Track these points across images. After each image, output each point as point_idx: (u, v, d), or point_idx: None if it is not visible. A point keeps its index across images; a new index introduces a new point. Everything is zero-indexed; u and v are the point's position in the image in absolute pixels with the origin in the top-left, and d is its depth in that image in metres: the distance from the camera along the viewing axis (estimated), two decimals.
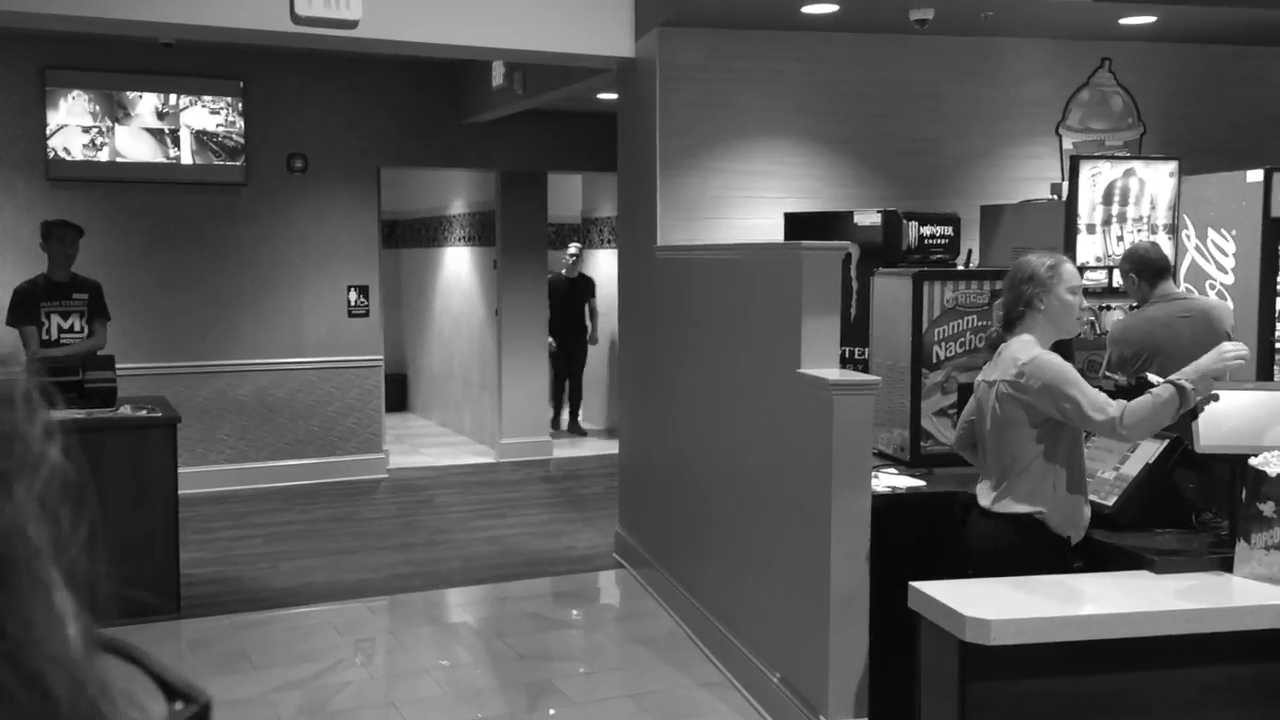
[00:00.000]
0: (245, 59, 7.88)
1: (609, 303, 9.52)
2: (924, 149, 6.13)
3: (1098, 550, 3.27)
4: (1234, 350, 3.08)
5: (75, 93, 7.57)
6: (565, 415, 10.54)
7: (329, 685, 4.71)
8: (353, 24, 5.45)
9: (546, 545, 6.79)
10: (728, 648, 4.68)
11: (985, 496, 3.32)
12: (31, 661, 0.29)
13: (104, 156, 7.66)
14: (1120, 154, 5.96)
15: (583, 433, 10.35)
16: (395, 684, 4.87)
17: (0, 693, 0.28)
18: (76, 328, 5.87)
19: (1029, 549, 3.16)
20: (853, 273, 4.96)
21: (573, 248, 10.37)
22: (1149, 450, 3.44)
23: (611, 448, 7.48)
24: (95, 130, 7.63)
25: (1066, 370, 3.15)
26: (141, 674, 0.38)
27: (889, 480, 4.08)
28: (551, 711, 4.49)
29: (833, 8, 5.41)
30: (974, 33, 6.00)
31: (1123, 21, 5.84)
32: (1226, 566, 3.02)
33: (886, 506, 3.85)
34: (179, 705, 0.39)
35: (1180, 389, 3.01)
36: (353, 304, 8.50)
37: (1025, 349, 3.25)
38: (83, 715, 0.29)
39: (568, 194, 11.31)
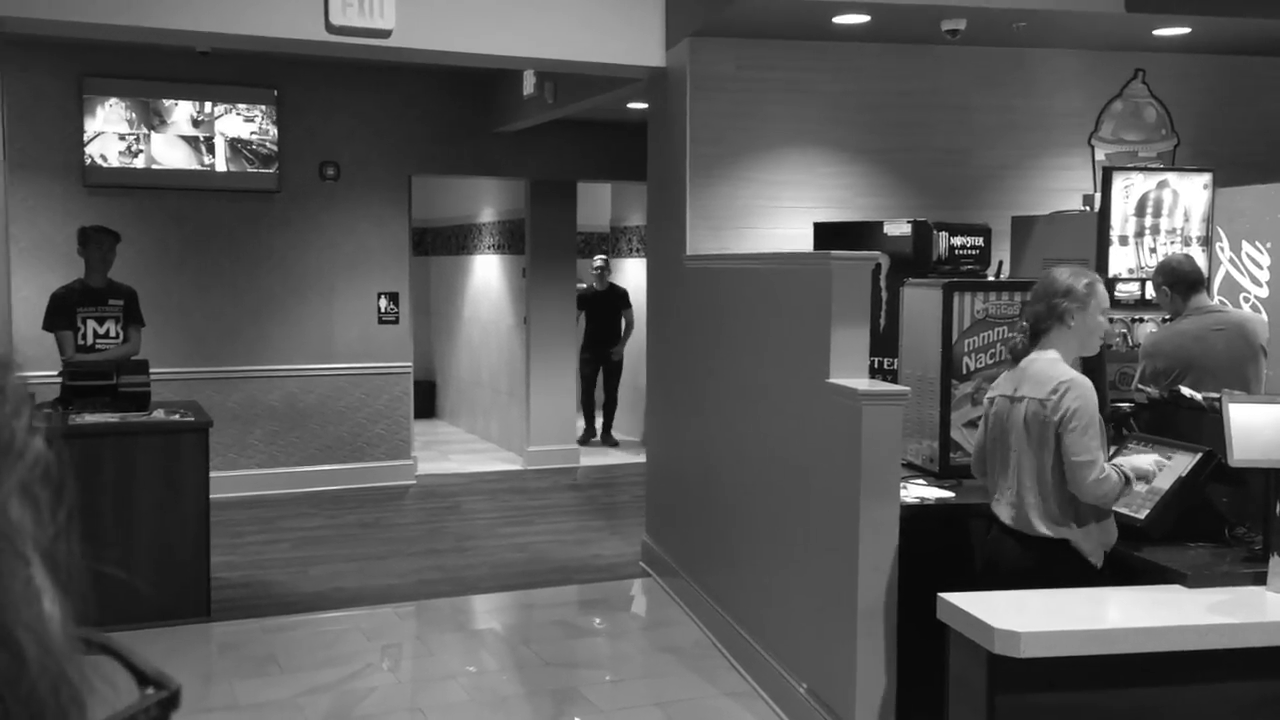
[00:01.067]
0: (279, 68, 7.96)
1: (637, 312, 9.54)
2: (955, 159, 6.12)
3: (1129, 564, 3.25)
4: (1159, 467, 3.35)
5: (112, 100, 7.67)
6: (598, 426, 10.52)
7: (356, 690, 4.74)
8: (386, 33, 5.50)
9: (573, 553, 6.80)
10: (754, 657, 4.67)
11: (1007, 514, 3.29)
12: (5, 625, 0.31)
13: (140, 163, 7.76)
14: (1153, 165, 5.93)
15: (615, 443, 10.32)
16: (422, 689, 4.89)
17: None
18: (112, 333, 5.94)
19: (1056, 573, 3.13)
20: (882, 283, 4.95)
21: (598, 259, 10.38)
22: (1182, 463, 3.41)
23: (639, 457, 7.48)
24: (131, 137, 7.73)
25: (1095, 407, 3.18)
26: (114, 661, 0.39)
27: (918, 491, 4.06)
28: (577, 719, 4.49)
29: (864, 18, 5.41)
30: (1006, 43, 5.98)
31: (1156, 32, 5.81)
32: (1260, 581, 2.99)
33: (915, 517, 3.84)
34: (150, 690, 0.41)
35: (1127, 480, 3.20)
36: (382, 311, 8.56)
37: (1057, 367, 3.23)
38: (51, 678, 0.32)
39: (597, 203, 11.34)
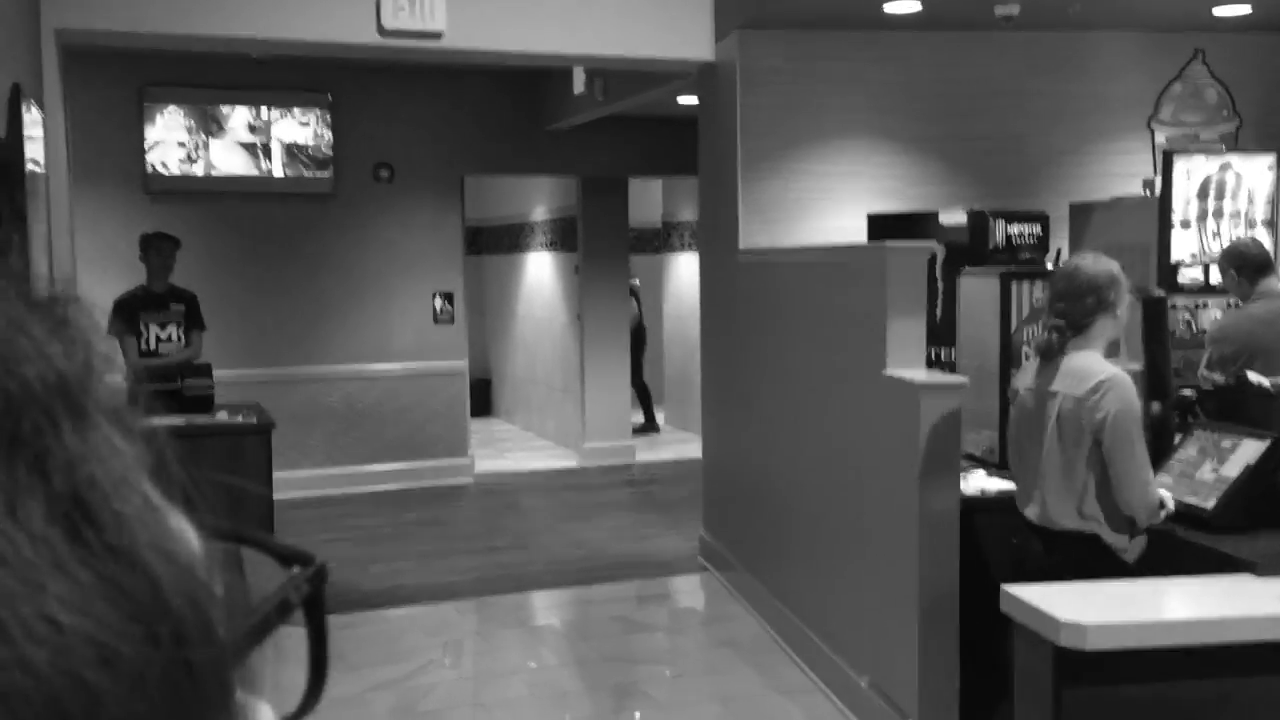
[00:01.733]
0: (332, 72, 8.05)
1: (689, 308, 9.52)
2: (1010, 147, 6.04)
3: (1196, 553, 3.19)
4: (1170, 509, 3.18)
5: (171, 108, 7.81)
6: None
7: (419, 686, 4.79)
8: (437, 35, 5.54)
9: (631, 549, 6.82)
10: (815, 652, 4.65)
11: (1033, 511, 3.22)
12: (129, 547, 0.31)
13: (199, 170, 7.89)
14: (1215, 148, 5.81)
15: (656, 428, 10.59)
16: (483, 685, 4.93)
17: (102, 579, 0.30)
18: (174, 337, 6.05)
19: (1086, 570, 3.06)
20: (938, 273, 4.90)
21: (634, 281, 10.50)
22: (1250, 451, 3.34)
23: (694, 451, 7.48)
24: (191, 145, 7.86)
25: (1138, 407, 3.13)
26: (252, 549, 0.40)
27: (978, 482, 4.02)
28: (637, 715, 4.51)
29: (915, 6, 5.35)
30: (1061, 27, 5.89)
31: (1216, 12, 5.69)
32: None
33: (976, 509, 3.80)
34: (295, 569, 0.41)
35: (1161, 505, 3.15)
36: (438, 311, 8.63)
37: (1099, 362, 3.17)
38: (186, 593, 0.31)
39: (649, 199, 11.35)
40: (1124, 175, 6.03)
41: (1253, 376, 3.77)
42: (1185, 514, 3.34)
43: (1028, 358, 4.29)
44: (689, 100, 7.06)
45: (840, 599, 4.47)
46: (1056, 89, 6.07)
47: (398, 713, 4.49)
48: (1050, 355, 3.21)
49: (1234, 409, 3.77)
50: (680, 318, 10.56)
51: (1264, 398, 3.63)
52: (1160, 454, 3.58)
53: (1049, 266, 5.00)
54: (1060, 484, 3.15)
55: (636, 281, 10.46)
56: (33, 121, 4.26)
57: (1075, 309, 3.16)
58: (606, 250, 9.40)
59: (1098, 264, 3.21)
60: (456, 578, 6.26)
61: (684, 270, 10.48)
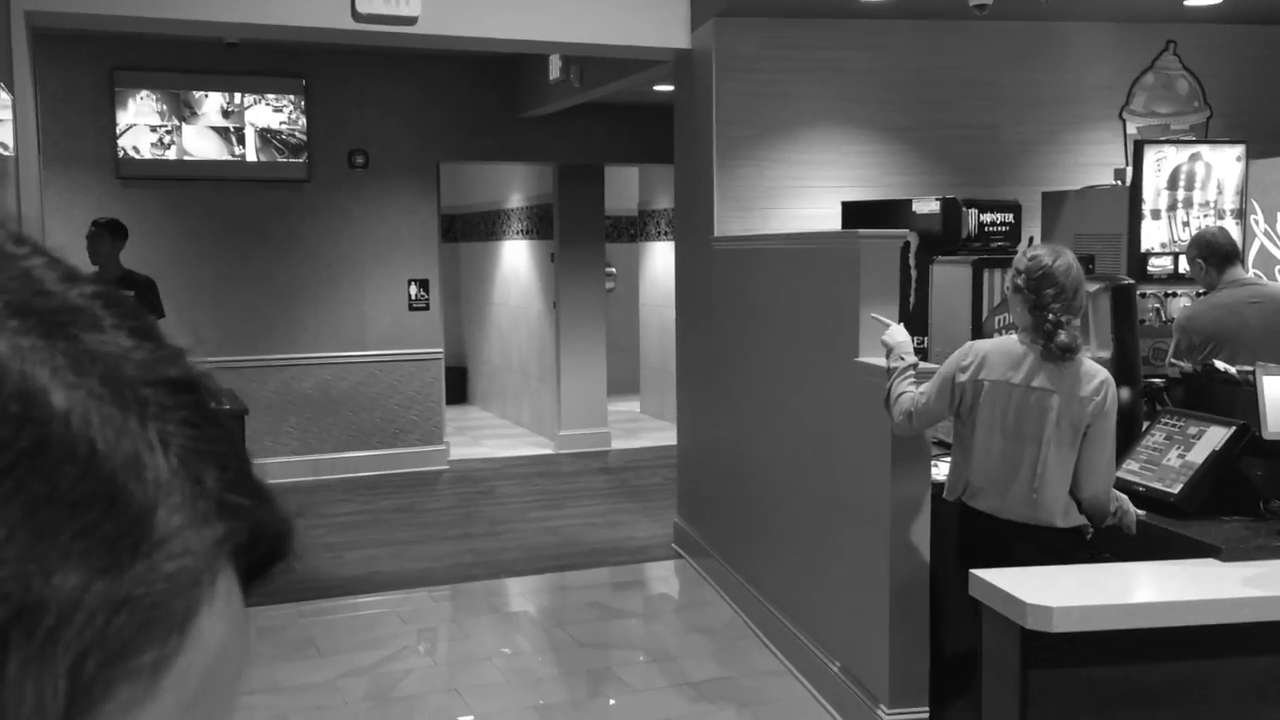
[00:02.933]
0: (307, 57, 8.00)
1: (664, 296, 9.53)
2: (984, 136, 6.07)
3: (1162, 539, 3.24)
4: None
5: (143, 93, 7.74)
6: None
7: (394, 672, 4.80)
8: (412, 20, 5.52)
9: (606, 535, 6.84)
10: (787, 637, 4.69)
11: (1021, 510, 3.18)
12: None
13: (172, 155, 7.83)
14: (1186, 138, 5.86)
15: None
16: (458, 671, 4.94)
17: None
18: None
19: (1069, 561, 3.10)
20: (911, 261, 4.93)
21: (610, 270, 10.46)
22: (1215, 437, 3.39)
23: (669, 439, 7.50)
24: (163, 129, 7.80)
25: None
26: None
27: (948, 469, 4.05)
28: (612, 701, 4.53)
29: None
30: (1034, 17, 5.92)
31: (1188, 2, 5.74)
32: None
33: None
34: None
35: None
36: (413, 298, 8.61)
37: (1091, 362, 3.20)
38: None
39: (625, 187, 11.34)
40: (1096, 165, 6.08)
41: (1219, 364, 3.81)
42: (1151, 499, 3.38)
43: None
44: (665, 88, 7.06)
45: (812, 584, 4.51)
46: (1030, 79, 6.11)
47: (372, 698, 4.50)
48: (1072, 355, 3.10)
49: (1200, 397, 3.82)
50: (656, 306, 10.58)
51: (1230, 385, 3.67)
52: (1128, 441, 3.62)
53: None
54: (1059, 483, 3.13)
55: (613, 270, 10.45)
56: (1, 105, 4.22)
57: (1076, 305, 3.12)
58: (582, 238, 9.40)
59: (1072, 258, 3.19)
60: (431, 564, 6.26)
61: (660, 259, 10.49)
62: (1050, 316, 3.07)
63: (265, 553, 0.36)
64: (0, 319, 0.31)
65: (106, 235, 5.99)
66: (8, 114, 4.40)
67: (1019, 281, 3.16)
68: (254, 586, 0.36)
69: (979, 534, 3.26)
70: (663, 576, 6.23)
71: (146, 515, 0.31)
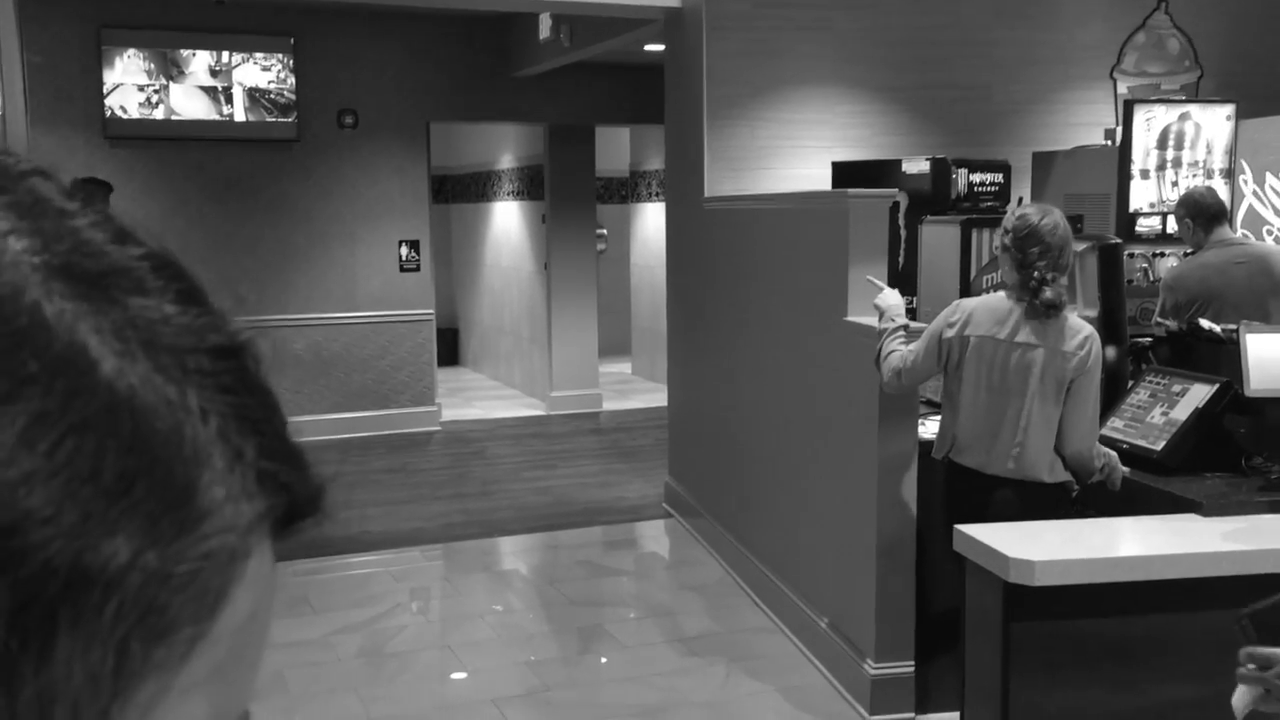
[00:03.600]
0: (296, 16, 7.94)
1: (656, 257, 9.53)
2: (975, 95, 6.06)
3: (1144, 495, 3.27)
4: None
5: (131, 51, 7.68)
6: None
7: (386, 629, 4.84)
8: None
9: (597, 495, 6.88)
10: (776, 594, 4.74)
11: (1004, 464, 3.20)
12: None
13: (159, 115, 7.78)
14: (1176, 98, 5.86)
15: None
16: (450, 628, 4.99)
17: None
18: None
19: (1054, 516, 3.14)
20: (901, 221, 4.95)
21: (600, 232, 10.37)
22: (1199, 394, 3.42)
23: (660, 400, 7.53)
24: (151, 89, 7.75)
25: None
26: None
27: (936, 427, 4.08)
28: (603, 659, 4.58)
29: None
30: None
31: None
32: (1276, 509, 3.01)
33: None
34: None
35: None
36: (404, 259, 8.60)
37: (1076, 317, 3.23)
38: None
39: (616, 148, 11.30)
40: (1087, 125, 6.08)
41: (1204, 323, 3.84)
42: (1135, 456, 3.42)
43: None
44: (656, 47, 7.02)
45: (801, 542, 4.55)
46: (1022, 38, 6.09)
47: (365, 655, 4.55)
48: (1056, 311, 3.14)
49: (1185, 355, 3.85)
50: (648, 267, 10.57)
51: (1214, 343, 3.70)
52: (1113, 399, 3.65)
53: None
54: (1042, 437, 3.16)
55: (604, 231, 10.42)
56: None
57: (1063, 263, 3.15)
58: (573, 199, 9.38)
59: (1060, 217, 3.21)
60: (423, 524, 6.30)
61: (651, 220, 10.48)
62: (1035, 274, 3.10)
63: (297, 514, 0.36)
64: (47, 280, 0.30)
65: (101, 191, 6.01)
66: None
67: (1006, 240, 3.19)
68: (281, 541, 0.37)
69: (964, 490, 3.30)
70: (653, 535, 6.28)
71: (189, 489, 0.30)
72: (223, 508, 0.31)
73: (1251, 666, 1.42)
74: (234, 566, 0.32)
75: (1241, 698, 1.48)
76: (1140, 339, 4.18)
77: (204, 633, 0.31)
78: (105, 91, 7.65)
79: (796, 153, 5.85)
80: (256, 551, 0.33)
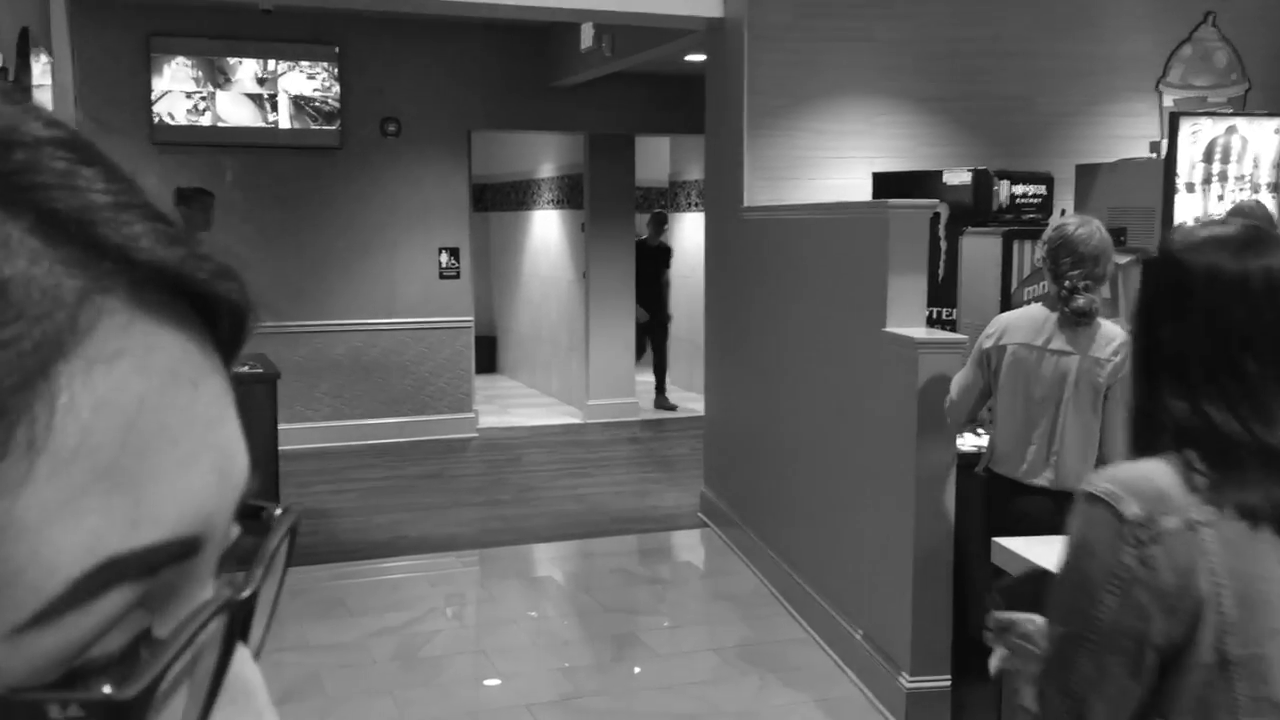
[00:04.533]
0: (341, 25, 8.03)
1: (692, 267, 9.52)
2: (1018, 107, 6.02)
3: None
4: None
5: (179, 59, 7.80)
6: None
7: (422, 633, 4.87)
8: None
9: (632, 504, 6.88)
10: (811, 605, 4.71)
11: (1043, 474, 3.20)
12: None
13: (206, 121, 7.89)
14: (1223, 111, 5.79)
15: (671, 407, 9.91)
16: (485, 633, 5.00)
17: None
18: None
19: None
20: (941, 232, 4.92)
21: (655, 213, 10.30)
22: None
23: (696, 409, 7.53)
24: (198, 95, 7.86)
25: None
26: None
27: (975, 440, 4.06)
28: (637, 668, 4.58)
29: None
30: None
31: None
32: None
33: (970, 465, 3.84)
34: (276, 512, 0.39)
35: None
36: (444, 266, 8.65)
37: (1111, 325, 3.22)
38: None
39: (656, 157, 11.32)
40: (1131, 137, 6.03)
41: None
42: None
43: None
44: (697, 58, 7.04)
45: (837, 553, 4.53)
46: (1065, 50, 6.04)
47: (399, 659, 4.57)
48: (1089, 319, 3.17)
49: None
50: (685, 277, 10.57)
51: None
52: None
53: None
54: (1080, 447, 3.15)
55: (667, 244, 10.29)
56: (41, 69, 4.27)
57: (1099, 273, 3.18)
58: (613, 208, 9.40)
59: (1096, 227, 3.24)
60: (459, 530, 6.33)
61: (690, 230, 10.48)
62: (1068, 283, 3.15)
63: (216, 308, 0.34)
64: None
65: (210, 200, 6.21)
66: (47, 79, 4.45)
67: (1043, 250, 3.23)
68: (228, 353, 0.35)
69: (1002, 499, 3.29)
70: (689, 544, 6.27)
71: None
72: (8, 275, 0.28)
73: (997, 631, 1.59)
74: (51, 345, 0.28)
75: (994, 660, 1.68)
76: None
77: (25, 420, 0.27)
78: (153, 98, 7.77)
79: (837, 163, 5.84)
80: (106, 329, 0.29)
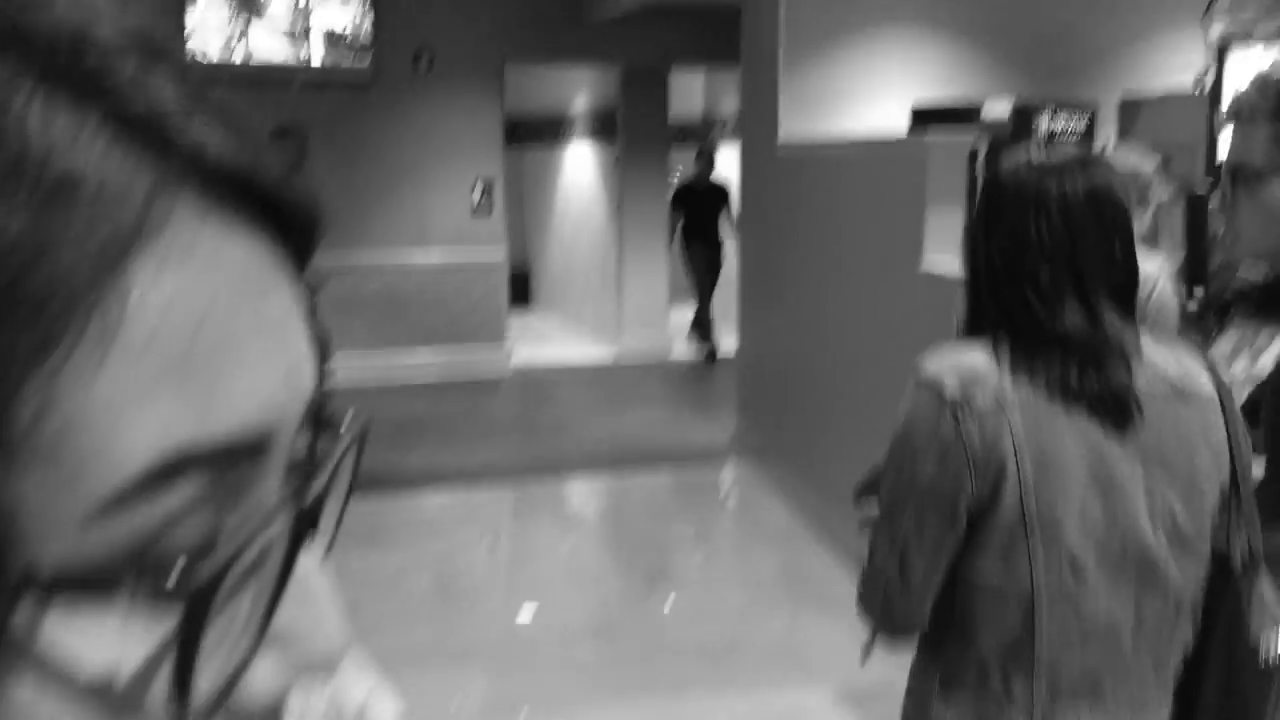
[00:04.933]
0: None
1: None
2: (1060, 38, 5.90)
3: None
4: None
5: None
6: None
7: (456, 565, 4.94)
8: None
9: (665, 439, 6.92)
10: (844, 536, 4.74)
11: None
12: None
13: (238, 58, 7.87)
14: (1275, 39, 5.64)
15: (714, 361, 9.19)
16: (518, 567, 5.07)
17: None
18: None
19: None
20: (980, 166, 4.85)
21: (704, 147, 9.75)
22: None
23: (730, 344, 7.53)
24: (231, 31, 7.83)
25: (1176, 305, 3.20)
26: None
27: None
28: (670, 599, 4.63)
29: None
30: None
31: None
32: None
33: None
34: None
35: None
36: (476, 202, 8.64)
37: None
38: None
39: (689, 93, 11.20)
40: (1176, 69, 5.90)
41: None
42: None
43: None
44: None
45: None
46: None
47: (433, 591, 4.65)
48: None
49: (1274, 305, 3.74)
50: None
51: None
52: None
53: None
54: None
55: (680, 173, 10.21)
56: None
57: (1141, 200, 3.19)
58: (646, 143, 9.33)
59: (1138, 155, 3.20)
60: (492, 464, 6.39)
61: (723, 164, 10.39)
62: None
63: (286, 218, 0.34)
64: None
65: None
66: None
67: None
68: (299, 263, 0.36)
69: None
70: (721, 479, 6.31)
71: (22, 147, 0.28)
72: (80, 170, 0.28)
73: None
74: (122, 240, 0.29)
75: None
76: (1223, 293, 4.07)
77: (98, 312, 0.28)
78: (186, 35, 7.75)
79: (873, 95, 5.75)
80: (176, 227, 0.30)
